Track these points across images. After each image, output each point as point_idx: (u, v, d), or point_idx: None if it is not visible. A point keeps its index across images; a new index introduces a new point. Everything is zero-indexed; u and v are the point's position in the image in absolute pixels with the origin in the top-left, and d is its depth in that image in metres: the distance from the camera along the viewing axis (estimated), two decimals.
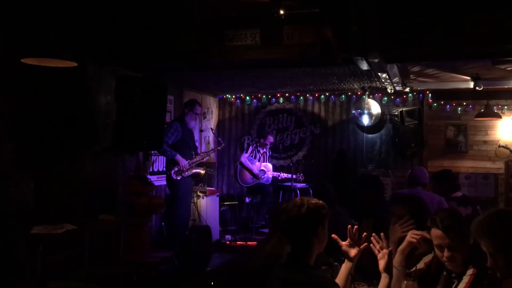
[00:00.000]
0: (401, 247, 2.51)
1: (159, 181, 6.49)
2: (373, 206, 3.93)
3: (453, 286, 2.27)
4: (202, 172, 6.54)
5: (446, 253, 2.24)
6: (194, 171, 6.27)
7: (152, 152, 6.42)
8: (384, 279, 2.38)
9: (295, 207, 2.23)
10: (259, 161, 7.88)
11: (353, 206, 4.93)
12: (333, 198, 4.46)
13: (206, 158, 6.63)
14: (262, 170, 7.83)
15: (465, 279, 2.20)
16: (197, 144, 7.07)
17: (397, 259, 2.48)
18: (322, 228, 2.24)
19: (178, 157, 6.00)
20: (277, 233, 2.31)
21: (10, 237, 2.55)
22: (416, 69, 6.38)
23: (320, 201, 2.30)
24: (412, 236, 2.49)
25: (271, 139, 7.94)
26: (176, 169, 6.03)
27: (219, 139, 7.33)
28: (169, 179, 6.12)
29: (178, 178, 6.07)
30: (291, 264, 2.17)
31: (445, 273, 2.34)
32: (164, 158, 6.35)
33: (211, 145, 8.23)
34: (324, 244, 2.27)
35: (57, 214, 4.62)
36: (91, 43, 4.81)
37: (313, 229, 2.21)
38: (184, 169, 6.07)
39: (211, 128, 8.20)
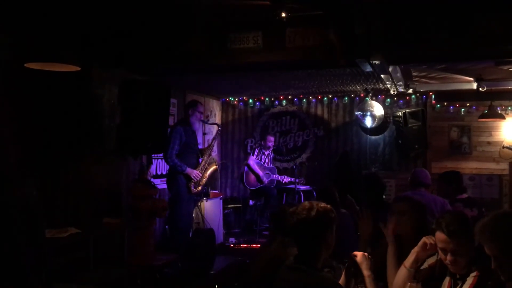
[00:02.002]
0: (416, 248, 2.49)
1: (163, 184, 6.49)
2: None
3: None
4: (215, 167, 6.47)
5: (449, 257, 2.24)
6: (208, 172, 6.26)
7: (153, 155, 6.42)
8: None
9: (304, 210, 2.24)
10: (264, 163, 7.87)
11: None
12: (337, 201, 4.46)
13: (213, 153, 6.57)
14: (267, 173, 7.83)
15: (469, 281, 2.20)
16: (200, 147, 7.07)
17: (409, 260, 2.47)
18: (330, 232, 2.25)
19: (188, 170, 5.93)
20: (281, 235, 2.31)
21: (15, 241, 2.56)
22: (419, 73, 6.38)
23: (329, 205, 2.31)
24: (429, 238, 2.45)
25: (271, 139, 7.87)
26: (192, 183, 6.00)
27: (216, 123, 7.29)
28: (169, 181, 6.12)
29: (199, 189, 6.08)
30: (297, 266, 2.17)
31: (448, 275, 2.33)
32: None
33: (214, 147, 8.21)
34: (331, 248, 2.27)
35: (62, 218, 4.64)
36: (95, 47, 4.83)
37: (322, 232, 2.22)
38: (199, 178, 6.06)
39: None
